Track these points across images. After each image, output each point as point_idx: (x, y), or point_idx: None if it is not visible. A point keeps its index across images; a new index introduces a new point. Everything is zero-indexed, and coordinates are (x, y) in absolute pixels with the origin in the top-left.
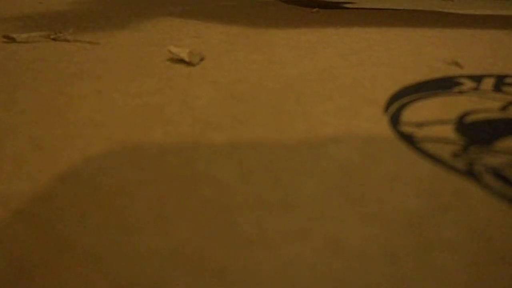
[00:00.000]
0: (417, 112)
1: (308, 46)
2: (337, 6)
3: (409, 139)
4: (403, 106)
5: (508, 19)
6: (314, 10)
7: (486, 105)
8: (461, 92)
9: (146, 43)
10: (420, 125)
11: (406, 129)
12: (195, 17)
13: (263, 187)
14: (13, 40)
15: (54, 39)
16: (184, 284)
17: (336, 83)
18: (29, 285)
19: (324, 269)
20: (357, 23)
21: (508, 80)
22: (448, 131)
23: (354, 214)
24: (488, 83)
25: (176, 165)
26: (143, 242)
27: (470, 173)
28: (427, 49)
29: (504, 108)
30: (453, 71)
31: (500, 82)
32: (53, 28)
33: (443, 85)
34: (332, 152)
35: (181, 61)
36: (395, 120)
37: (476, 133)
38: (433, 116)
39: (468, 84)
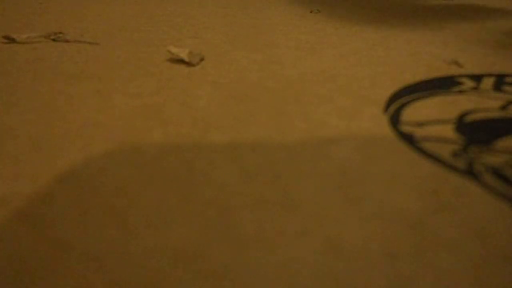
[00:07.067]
0: (417, 112)
1: (308, 46)
2: None
3: (409, 139)
4: (403, 106)
5: (508, 19)
6: (314, 10)
7: (486, 104)
8: (461, 92)
9: (146, 43)
10: (420, 124)
11: (406, 128)
12: (195, 17)
13: (263, 187)
14: (13, 40)
15: (54, 40)
16: (184, 284)
17: (336, 83)
18: (29, 284)
19: (324, 269)
20: (357, 23)
21: (508, 80)
22: (448, 131)
23: (354, 214)
24: (488, 83)
25: (176, 165)
26: (143, 242)
27: (470, 173)
28: (427, 48)
29: (504, 108)
30: (453, 70)
31: (500, 81)
32: (53, 29)
33: (443, 84)
34: (332, 152)
35: (181, 61)
36: (395, 120)
37: (476, 132)
38: (433, 115)
39: (468, 83)
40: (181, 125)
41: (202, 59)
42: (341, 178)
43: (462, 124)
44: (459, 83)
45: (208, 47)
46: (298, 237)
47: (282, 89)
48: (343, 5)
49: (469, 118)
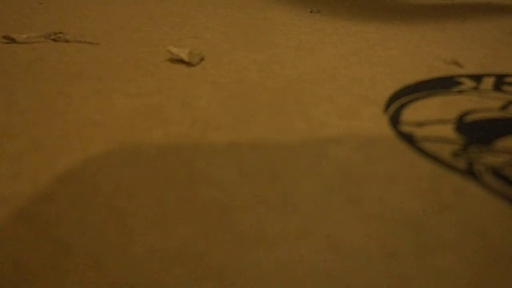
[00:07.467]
0: (417, 112)
1: (308, 46)
2: None
3: (409, 139)
4: (403, 106)
5: (508, 19)
6: (314, 10)
7: (486, 104)
8: (461, 92)
9: (146, 43)
10: (420, 124)
11: (406, 128)
12: (195, 17)
13: (263, 187)
14: (13, 40)
15: (54, 40)
16: (184, 284)
17: (336, 83)
18: (29, 284)
19: (324, 269)
20: (357, 23)
21: (508, 80)
22: (448, 131)
23: (354, 214)
24: (488, 83)
25: (176, 165)
26: (143, 242)
27: (470, 173)
28: (427, 48)
29: (504, 108)
30: (453, 70)
31: (500, 81)
32: (53, 29)
33: (443, 84)
34: (332, 152)
35: (181, 61)
36: (395, 120)
37: (476, 132)
38: (433, 115)
39: (468, 83)
40: (181, 125)
41: (202, 59)
42: (341, 178)
43: (462, 124)
44: (459, 83)
45: (208, 47)
46: (298, 237)
47: (282, 89)
48: (343, 5)
49: (469, 118)
